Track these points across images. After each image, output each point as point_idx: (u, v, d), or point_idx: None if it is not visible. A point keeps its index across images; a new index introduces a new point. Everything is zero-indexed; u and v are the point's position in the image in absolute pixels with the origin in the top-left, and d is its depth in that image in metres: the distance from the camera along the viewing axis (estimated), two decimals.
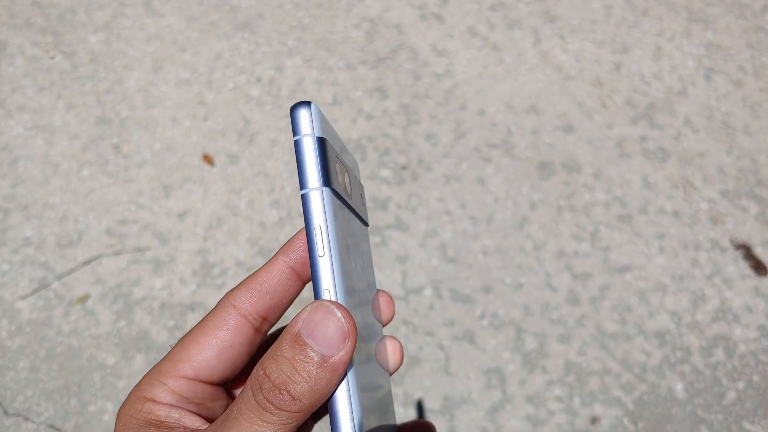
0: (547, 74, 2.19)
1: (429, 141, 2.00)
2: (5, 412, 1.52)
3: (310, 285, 0.36)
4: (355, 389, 0.31)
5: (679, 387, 1.69)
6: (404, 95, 2.09)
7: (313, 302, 0.31)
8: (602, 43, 2.28)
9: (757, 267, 1.89)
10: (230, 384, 0.39)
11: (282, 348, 0.30)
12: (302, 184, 0.33)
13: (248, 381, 0.31)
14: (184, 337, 0.36)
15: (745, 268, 1.88)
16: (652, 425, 1.64)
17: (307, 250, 0.36)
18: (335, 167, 0.35)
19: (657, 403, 1.67)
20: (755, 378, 1.72)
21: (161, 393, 0.34)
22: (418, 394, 1.61)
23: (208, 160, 1.89)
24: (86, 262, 1.71)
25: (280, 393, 0.30)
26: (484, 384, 1.64)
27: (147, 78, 2.04)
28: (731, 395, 1.70)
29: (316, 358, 0.30)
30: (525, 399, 1.64)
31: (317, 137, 0.33)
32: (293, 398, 0.30)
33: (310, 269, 0.35)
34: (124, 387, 1.58)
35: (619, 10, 2.37)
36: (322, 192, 0.32)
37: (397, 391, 1.61)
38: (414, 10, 2.30)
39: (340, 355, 0.30)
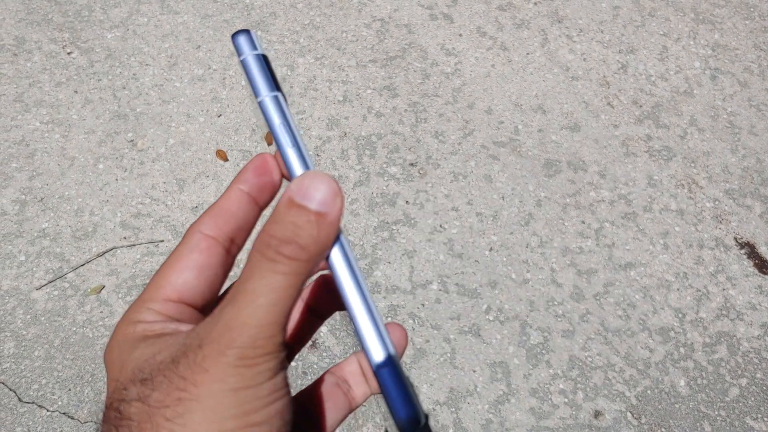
0: (554, 74, 2.20)
1: (437, 138, 2.01)
2: (20, 400, 1.54)
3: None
4: (349, 247, 0.35)
5: (682, 383, 1.70)
6: (413, 93, 2.10)
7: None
8: (609, 44, 2.29)
9: (761, 265, 1.90)
10: (211, 310, 0.38)
11: (280, 213, 0.32)
12: (257, 93, 0.36)
13: (253, 247, 0.32)
14: (160, 267, 0.37)
15: (749, 266, 1.89)
16: (655, 420, 1.65)
17: (260, 176, 0.38)
18: (277, 76, 0.39)
19: (660, 399, 1.67)
20: (758, 375, 1.73)
21: (150, 316, 0.35)
22: (424, 387, 1.62)
23: (221, 155, 1.91)
24: (101, 254, 1.73)
25: (289, 244, 0.31)
26: (489, 377, 1.65)
27: (162, 74, 2.05)
28: (734, 392, 1.71)
29: (313, 215, 0.32)
30: (529, 392, 1.65)
31: (260, 54, 0.37)
32: (301, 247, 0.31)
33: (267, 193, 0.38)
34: None
35: (626, 11, 2.38)
36: (277, 96, 0.36)
37: None
38: (424, 9, 2.32)
39: (334, 210, 0.32)
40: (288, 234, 0.31)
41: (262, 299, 0.31)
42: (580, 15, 2.35)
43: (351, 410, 0.41)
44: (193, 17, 2.19)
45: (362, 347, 0.33)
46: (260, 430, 0.30)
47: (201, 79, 2.05)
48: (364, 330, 0.34)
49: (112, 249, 1.74)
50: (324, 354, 1.63)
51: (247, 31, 0.37)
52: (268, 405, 0.30)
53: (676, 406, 1.67)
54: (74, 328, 1.63)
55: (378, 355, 0.34)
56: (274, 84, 0.37)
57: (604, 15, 2.36)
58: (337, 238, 0.33)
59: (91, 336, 1.62)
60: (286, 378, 0.32)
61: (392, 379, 0.34)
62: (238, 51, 0.37)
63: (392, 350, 0.34)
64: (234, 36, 0.36)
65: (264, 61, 0.37)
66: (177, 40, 2.14)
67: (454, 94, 2.11)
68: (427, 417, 1.66)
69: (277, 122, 0.36)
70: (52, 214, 1.77)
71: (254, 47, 0.37)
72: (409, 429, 0.34)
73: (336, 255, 0.34)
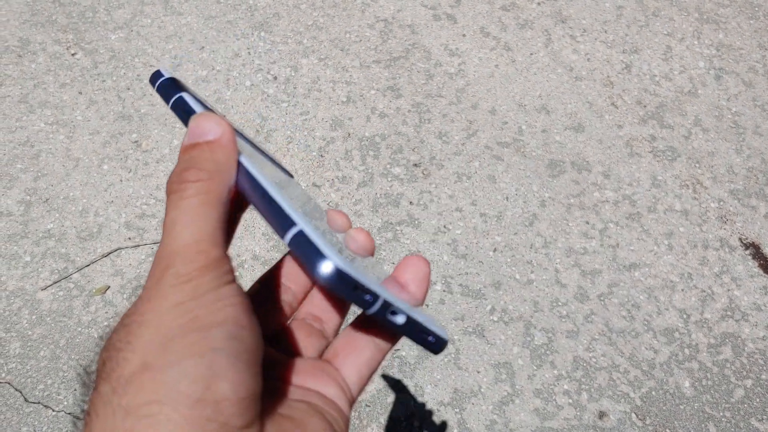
0: (558, 74, 2.20)
1: (441, 139, 2.01)
2: (26, 400, 1.54)
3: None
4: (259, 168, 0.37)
5: (686, 384, 1.70)
6: (417, 94, 2.10)
7: None
8: (613, 44, 2.29)
9: (766, 266, 1.89)
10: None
11: (179, 156, 0.35)
12: (153, 81, 0.39)
13: (165, 192, 0.34)
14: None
15: (753, 266, 1.89)
16: (660, 421, 1.65)
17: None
18: (183, 84, 0.41)
19: (665, 400, 1.67)
20: (763, 376, 1.73)
21: None
22: (428, 387, 1.62)
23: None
24: (106, 255, 1.73)
25: (189, 171, 0.34)
26: (493, 378, 1.65)
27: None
28: (739, 393, 1.70)
29: (205, 144, 0.35)
30: (533, 393, 1.65)
31: (168, 78, 0.40)
32: (200, 169, 0.34)
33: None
34: None
35: (630, 11, 2.38)
36: (181, 96, 0.38)
37: (407, 383, 1.62)
38: (427, 10, 2.32)
39: (224, 134, 0.35)
40: (187, 164, 0.34)
41: (180, 224, 0.33)
42: (584, 15, 2.35)
43: (327, 341, 0.44)
44: (196, 18, 2.20)
45: (350, 279, 0.33)
46: (211, 335, 0.30)
47: (205, 80, 2.06)
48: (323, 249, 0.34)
49: (117, 250, 1.74)
50: None
51: (157, 73, 0.39)
52: (215, 312, 0.31)
53: (681, 407, 1.67)
54: (79, 329, 1.63)
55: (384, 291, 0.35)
56: (176, 84, 0.39)
57: (607, 15, 2.36)
58: (238, 162, 0.35)
59: (96, 336, 1.63)
60: (237, 289, 0.33)
61: (410, 309, 0.36)
62: (164, 95, 0.39)
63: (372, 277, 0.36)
64: (155, 84, 0.39)
65: (172, 83, 0.39)
66: (181, 41, 2.14)
67: (458, 94, 2.11)
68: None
69: (170, 104, 0.38)
70: (57, 215, 1.78)
71: (162, 76, 0.39)
72: (440, 350, 0.37)
73: (245, 173, 0.35)
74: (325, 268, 0.32)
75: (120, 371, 0.30)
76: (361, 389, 0.42)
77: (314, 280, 0.36)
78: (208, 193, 0.34)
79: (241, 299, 0.33)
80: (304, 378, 0.40)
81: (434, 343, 0.36)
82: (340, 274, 0.32)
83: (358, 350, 0.42)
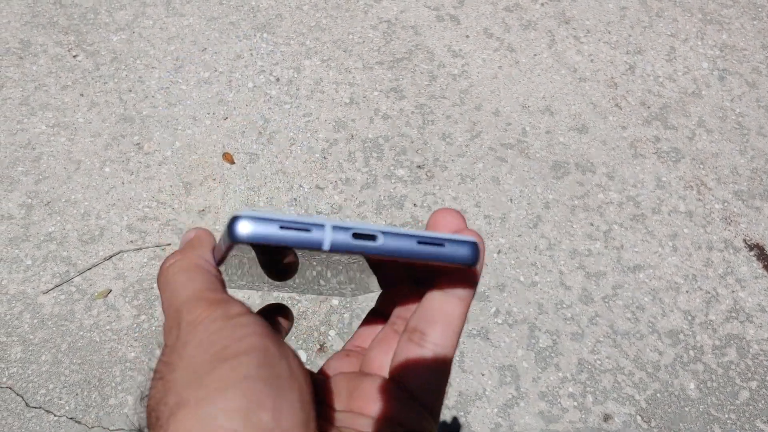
0: (562, 75, 2.20)
1: (445, 140, 2.01)
2: (27, 405, 1.54)
3: None
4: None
5: (692, 386, 1.70)
6: (420, 95, 2.10)
7: None
8: (617, 45, 2.28)
9: None
10: None
11: None
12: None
13: None
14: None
15: (758, 268, 1.89)
16: (665, 423, 1.64)
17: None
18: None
19: (670, 402, 1.67)
20: None
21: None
22: None
23: (228, 158, 1.91)
24: (108, 258, 1.73)
25: (166, 260, 0.37)
26: (498, 380, 1.65)
27: (168, 77, 2.05)
28: (744, 395, 1.70)
29: (182, 243, 0.39)
30: (538, 396, 1.65)
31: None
32: (173, 254, 0.37)
33: None
34: (144, 381, 1.60)
35: (633, 12, 2.37)
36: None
37: None
38: (430, 11, 2.31)
39: (193, 234, 0.38)
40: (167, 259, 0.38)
41: (175, 291, 0.35)
42: (588, 16, 2.35)
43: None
44: (198, 20, 2.19)
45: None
46: (240, 363, 0.30)
47: (207, 82, 2.05)
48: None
49: (118, 253, 1.74)
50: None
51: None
52: (239, 341, 0.32)
53: (686, 409, 1.67)
54: (81, 333, 1.63)
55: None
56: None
57: (611, 16, 2.36)
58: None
59: (98, 340, 1.62)
60: (256, 318, 0.33)
61: (419, 234, 0.35)
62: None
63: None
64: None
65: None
66: (183, 42, 2.13)
67: (461, 95, 2.11)
68: None
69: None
70: (58, 218, 1.77)
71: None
72: (471, 257, 0.35)
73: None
74: (241, 227, 0.32)
75: (161, 416, 0.30)
76: (413, 378, 0.39)
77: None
78: (188, 260, 0.37)
79: (263, 327, 0.33)
80: (347, 400, 0.39)
81: (458, 253, 0.34)
82: (255, 220, 0.32)
83: (385, 343, 0.41)
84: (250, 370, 0.29)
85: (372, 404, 0.38)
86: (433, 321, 0.37)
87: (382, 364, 0.40)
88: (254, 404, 0.28)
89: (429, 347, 0.37)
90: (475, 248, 0.34)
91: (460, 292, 0.37)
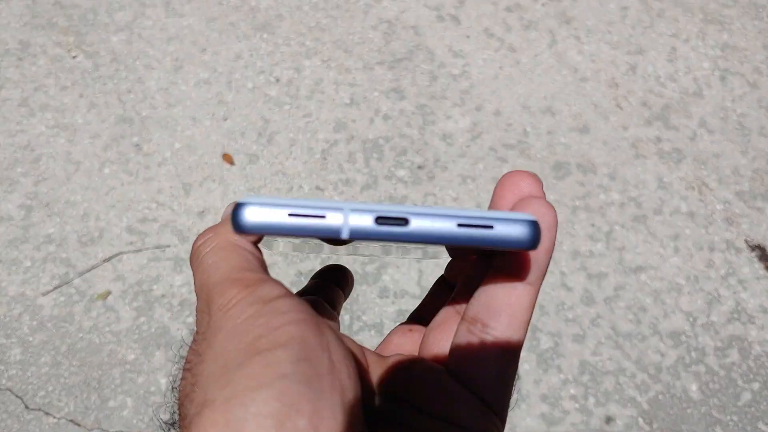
0: (563, 75, 2.19)
1: (445, 141, 2.01)
2: (27, 407, 1.54)
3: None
4: None
5: (694, 387, 1.69)
6: (421, 96, 2.09)
7: None
8: (618, 45, 2.28)
9: None
10: None
11: None
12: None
13: None
14: None
15: (760, 269, 1.88)
16: (667, 426, 1.64)
17: None
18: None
19: (672, 404, 1.67)
20: None
21: None
22: None
23: (227, 159, 1.90)
24: (107, 259, 1.72)
25: (196, 241, 0.36)
26: None
27: (167, 78, 2.05)
28: (746, 396, 1.70)
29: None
30: (540, 398, 1.64)
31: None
32: (204, 234, 0.36)
33: None
34: (143, 383, 1.59)
35: (634, 12, 2.37)
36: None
37: None
38: (431, 11, 2.31)
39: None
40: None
41: (207, 271, 0.33)
42: (588, 16, 2.34)
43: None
44: (198, 20, 2.19)
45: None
46: (276, 358, 0.27)
47: (207, 83, 2.05)
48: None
49: (118, 254, 1.73)
50: None
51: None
52: (275, 330, 0.29)
53: (688, 411, 1.66)
54: (81, 334, 1.62)
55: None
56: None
57: (612, 16, 2.35)
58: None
59: (98, 342, 1.62)
60: (297, 302, 0.31)
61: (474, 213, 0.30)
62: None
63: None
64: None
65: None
66: (182, 43, 2.13)
67: (462, 96, 2.11)
68: None
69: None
70: (57, 220, 1.77)
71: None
72: (531, 240, 0.30)
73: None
74: (246, 215, 0.29)
75: (187, 414, 0.28)
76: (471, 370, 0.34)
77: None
78: (221, 237, 0.35)
79: (305, 312, 0.30)
80: (403, 391, 0.35)
81: (512, 236, 0.29)
82: (261, 207, 0.29)
83: (445, 326, 0.37)
84: (285, 367, 0.26)
85: (429, 400, 0.34)
86: (496, 311, 0.33)
87: (441, 350, 0.36)
88: (290, 408, 0.25)
89: (491, 340, 0.33)
90: (534, 229, 0.29)
91: (529, 281, 0.32)
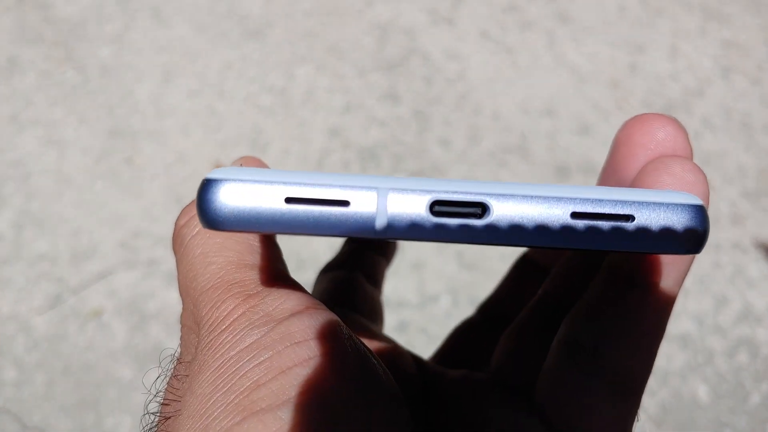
0: (562, 76, 2.18)
1: (443, 147, 1.99)
2: (24, 427, 1.52)
3: None
4: None
5: (702, 391, 1.68)
6: (417, 101, 2.08)
7: None
8: (617, 44, 2.27)
9: None
10: None
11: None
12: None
13: None
14: None
15: (766, 268, 1.86)
16: (676, 429, 1.62)
17: None
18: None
19: (680, 407, 1.65)
20: None
21: None
22: None
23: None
24: (101, 276, 1.71)
25: (180, 217, 0.31)
26: None
27: (158, 90, 2.04)
28: (755, 398, 1.68)
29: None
30: None
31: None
32: (188, 212, 0.30)
33: None
34: (140, 400, 1.57)
35: (633, 11, 2.36)
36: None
37: None
38: (425, 15, 2.30)
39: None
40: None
41: (197, 266, 0.25)
42: (586, 15, 2.33)
43: None
44: (188, 30, 2.18)
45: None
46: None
47: (198, 94, 2.04)
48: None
49: (111, 271, 1.72)
50: None
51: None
52: (277, 368, 0.21)
53: (697, 414, 1.64)
54: (76, 353, 1.62)
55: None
56: None
57: (610, 15, 2.34)
58: None
59: (93, 360, 1.61)
60: (312, 327, 0.22)
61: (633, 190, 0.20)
62: None
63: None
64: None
65: None
66: (172, 54, 2.13)
67: (459, 100, 2.09)
68: None
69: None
70: (50, 237, 1.76)
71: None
72: (700, 245, 0.20)
73: None
74: (216, 204, 0.19)
75: None
76: None
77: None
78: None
79: (331, 338, 0.21)
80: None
81: (666, 234, 0.19)
82: (240, 189, 0.19)
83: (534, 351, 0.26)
84: None
85: None
86: (616, 337, 0.23)
87: (524, 365, 0.26)
88: None
89: (605, 380, 0.23)
90: (702, 219, 0.20)
91: (665, 287, 0.22)
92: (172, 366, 0.27)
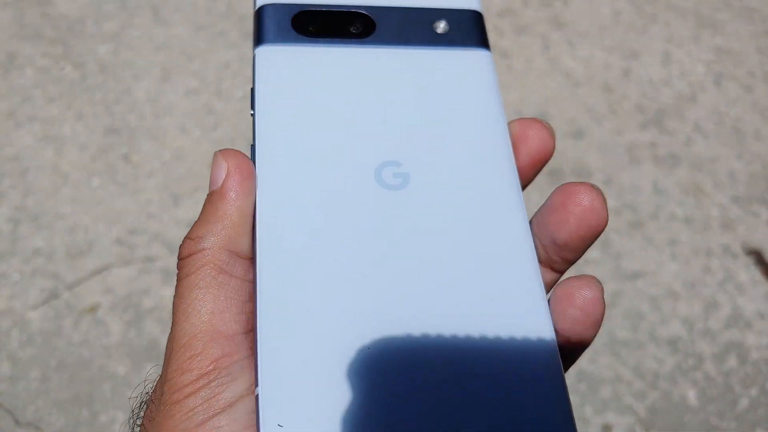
0: (556, 80, 2.19)
1: None
2: (17, 422, 1.52)
3: None
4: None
5: (691, 394, 1.68)
6: None
7: None
8: (611, 49, 2.28)
9: None
10: None
11: None
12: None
13: None
14: None
15: (756, 274, 1.87)
16: None
17: None
18: (284, 24, 0.34)
19: (669, 411, 1.66)
20: None
21: None
22: None
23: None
24: (96, 272, 1.71)
25: (185, 241, 0.28)
26: None
27: (156, 88, 2.04)
28: (744, 402, 1.69)
29: (212, 197, 0.30)
30: None
31: (258, 7, 0.34)
32: (191, 239, 0.28)
33: None
34: (134, 397, 1.58)
35: (627, 16, 2.37)
36: (254, 54, 0.33)
37: None
38: None
39: (221, 182, 0.29)
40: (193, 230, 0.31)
41: (179, 313, 0.28)
42: (581, 21, 2.34)
43: None
44: (186, 29, 2.18)
45: None
46: None
47: (196, 92, 2.04)
48: None
49: (107, 267, 1.72)
50: None
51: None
52: None
53: (686, 418, 1.65)
54: (70, 349, 1.61)
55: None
56: (258, 36, 0.35)
57: (605, 20, 2.35)
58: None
59: (88, 356, 1.61)
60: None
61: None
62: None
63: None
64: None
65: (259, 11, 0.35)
66: (170, 52, 2.13)
67: None
68: None
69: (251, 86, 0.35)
70: (46, 233, 1.76)
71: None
72: None
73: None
74: None
75: None
76: None
77: None
78: (213, 259, 0.27)
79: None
80: None
81: None
82: None
83: None
84: None
85: None
86: None
87: None
88: None
89: None
90: None
91: None
92: (150, 394, 0.29)
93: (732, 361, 1.74)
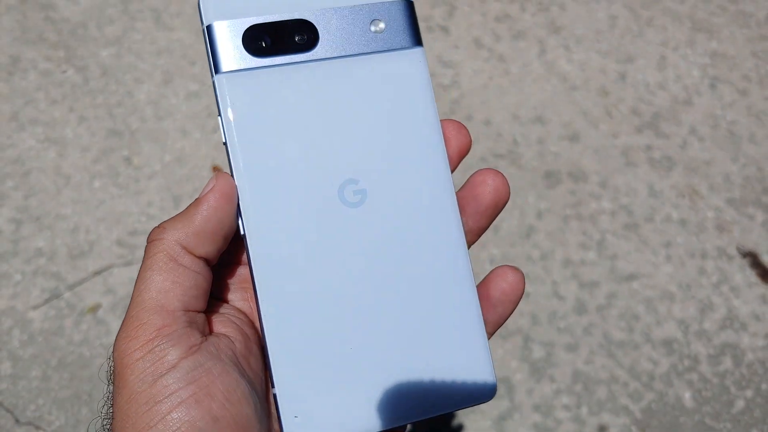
0: (553, 84, 2.20)
1: None
2: (17, 421, 1.53)
3: None
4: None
5: (687, 395, 1.69)
6: None
7: None
8: (607, 53, 2.28)
9: (764, 275, 1.89)
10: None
11: None
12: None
13: None
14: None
15: (752, 276, 1.88)
16: None
17: None
18: (236, 45, 0.36)
19: (665, 412, 1.66)
20: (763, 386, 1.71)
21: None
22: None
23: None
24: (97, 273, 1.72)
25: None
26: None
27: (157, 91, 2.05)
28: (740, 404, 1.69)
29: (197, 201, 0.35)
30: (532, 408, 1.64)
31: (206, 26, 0.36)
32: (159, 227, 0.34)
33: None
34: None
35: (623, 20, 2.38)
36: (214, 81, 0.35)
37: None
38: (420, 22, 2.31)
39: (204, 194, 0.34)
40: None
41: (140, 285, 0.35)
42: (577, 25, 2.35)
43: None
44: (187, 33, 2.19)
45: None
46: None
47: (196, 95, 2.05)
48: None
49: (108, 267, 1.73)
50: None
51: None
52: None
53: (682, 419, 1.66)
54: (71, 348, 1.62)
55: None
56: (215, 64, 0.37)
57: (601, 24, 2.36)
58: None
59: (88, 356, 1.61)
60: (185, 386, 0.31)
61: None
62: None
63: None
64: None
65: (209, 32, 0.37)
66: (172, 56, 2.13)
67: (452, 106, 2.11)
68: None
69: (219, 113, 0.38)
70: (48, 233, 1.77)
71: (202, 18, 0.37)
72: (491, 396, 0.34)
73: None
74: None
75: None
76: None
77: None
78: (167, 247, 0.33)
79: (199, 382, 0.31)
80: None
81: None
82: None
83: None
84: None
85: None
86: None
87: None
88: None
89: None
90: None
91: None
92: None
93: (727, 363, 1.75)
